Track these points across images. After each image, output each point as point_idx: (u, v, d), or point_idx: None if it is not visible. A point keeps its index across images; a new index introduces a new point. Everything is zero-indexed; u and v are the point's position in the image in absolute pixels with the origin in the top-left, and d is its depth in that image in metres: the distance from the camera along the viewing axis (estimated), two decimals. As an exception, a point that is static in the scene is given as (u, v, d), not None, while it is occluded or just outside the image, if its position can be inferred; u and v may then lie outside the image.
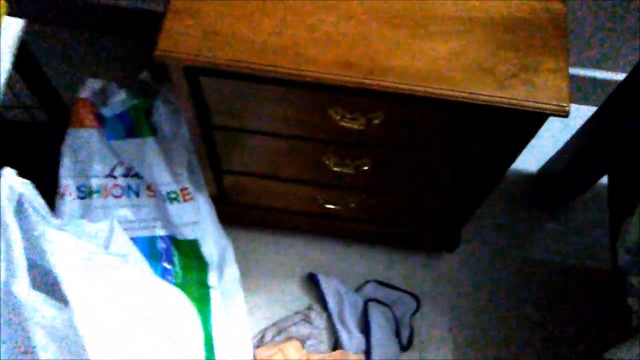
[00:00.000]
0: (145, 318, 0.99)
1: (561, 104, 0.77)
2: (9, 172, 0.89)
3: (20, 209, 0.91)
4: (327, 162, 0.98)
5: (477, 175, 1.01)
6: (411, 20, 0.80)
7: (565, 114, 0.77)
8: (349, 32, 0.78)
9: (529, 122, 0.82)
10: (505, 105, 0.77)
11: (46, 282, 0.94)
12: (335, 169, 0.99)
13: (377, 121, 0.85)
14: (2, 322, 0.89)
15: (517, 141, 0.87)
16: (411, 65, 0.77)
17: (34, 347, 0.88)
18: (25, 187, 0.91)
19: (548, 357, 1.28)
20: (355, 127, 0.86)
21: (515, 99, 0.77)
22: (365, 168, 0.99)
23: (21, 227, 0.89)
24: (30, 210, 0.92)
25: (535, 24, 0.82)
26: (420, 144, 0.94)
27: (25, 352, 0.91)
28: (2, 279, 0.86)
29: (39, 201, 0.94)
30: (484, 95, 0.77)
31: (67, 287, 0.84)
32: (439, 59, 0.78)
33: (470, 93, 0.76)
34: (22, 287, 0.85)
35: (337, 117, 0.84)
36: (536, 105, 0.77)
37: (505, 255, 1.40)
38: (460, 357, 1.29)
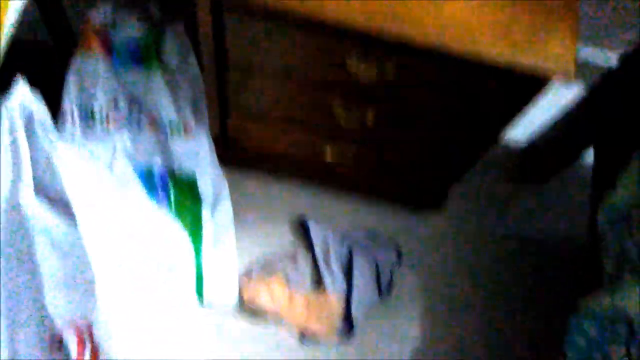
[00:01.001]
0: (142, 241, 1.02)
1: (567, 70, 0.81)
2: (22, 87, 0.90)
3: (29, 125, 0.92)
4: (334, 109, 1.01)
5: (474, 136, 1.05)
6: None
7: (570, 79, 0.81)
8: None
9: (533, 84, 0.86)
10: (515, 67, 0.80)
11: (48, 199, 0.96)
12: (342, 117, 1.02)
13: (388, 72, 0.88)
14: (4, 229, 0.90)
15: (519, 103, 0.91)
16: (429, 21, 0.80)
17: (35, 256, 0.90)
18: (36, 105, 0.92)
19: (518, 315, 1.37)
20: (369, 77, 0.88)
21: (525, 61, 0.81)
22: (370, 119, 1.02)
23: (29, 143, 0.91)
24: (39, 127, 0.94)
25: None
26: (425, 99, 0.97)
27: (25, 261, 0.94)
28: (8, 188, 0.88)
29: (47, 119, 0.95)
30: (496, 55, 0.80)
31: (74, 203, 0.87)
32: (455, 17, 0.81)
33: (483, 52, 0.80)
34: (28, 196, 0.87)
35: (353, 66, 0.87)
36: (544, 68, 0.81)
37: (487, 221, 1.46)
38: (433, 308, 1.36)
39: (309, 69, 0.93)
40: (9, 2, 0.81)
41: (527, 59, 0.81)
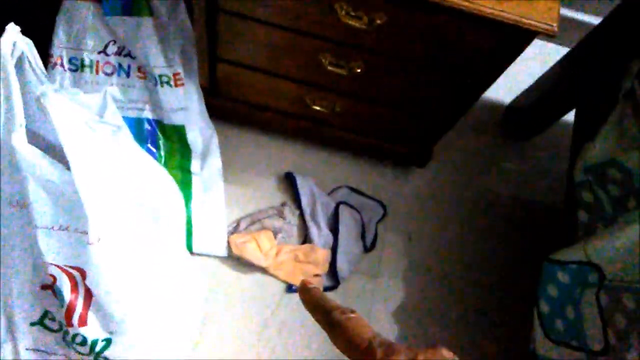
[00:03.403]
0: (134, 189, 1.03)
1: (551, 24, 0.83)
2: (12, 28, 0.89)
3: (20, 67, 0.92)
4: (323, 60, 1.02)
5: (459, 91, 1.08)
6: None
7: (553, 34, 0.84)
8: None
9: (518, 38, 0.88)
10: (501, 19, 0.82)
11: (40, 142, 0.97)
12: (330, 68, 1.03)
13: (379, 22, 0.89)
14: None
15: (503, 57, 0.94)
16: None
17: (28, 201, 0.91)
18: (27, 46, 0.92)
19: (496, 271, 1.42)
20: (357, 25, 0.90)
21: (511, 14, 0.83)
22: (358, 71, 1.04)
23: (20, 85, 0.90)
24: (29, 70, 0.94)
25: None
26: (413, 52, 0.99)
27: (18, 206, 0.95)
28: (0, 130, 0.89)
29: (38, 62, 0.95)
30: (484, 6, 0.82)
31: (67, 147, 0.87)
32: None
33: (471, 3, 0.81)
34: (20, 140, 0.87)
35: (342, 13, 0.88)
36: (528, 22, 0.83)
37: (468, 179, 1.50)
38: (416, 262, 1.40)
39: (298, 14, 0.93)
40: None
41: (512, 11, 0.83)
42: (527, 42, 0.89)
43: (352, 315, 0.37)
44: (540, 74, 1.45)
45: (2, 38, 0.89)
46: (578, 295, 0.98)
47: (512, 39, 0.89)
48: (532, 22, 0.83)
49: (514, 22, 0.83)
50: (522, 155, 1.55)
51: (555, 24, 0.83)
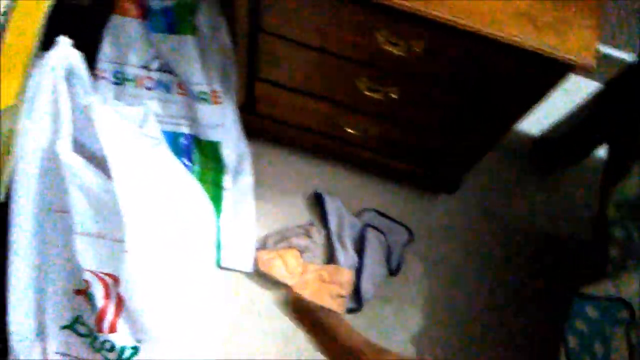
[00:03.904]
0: (170, 202, 1.06)
1: (589, 60, 0.84)
2: (64, 41, 0.93)
3: (69, 79, 0.96)
4: (359, 84, 1.05)
5: (492, 121, 1.09)
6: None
7: (590, 70, 0.84)
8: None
9: (555, 72, 0.89)
10: (539, 51, 0.84)
11: (84, 152, 1.00)
12: (366, 92, 1.05)
13: (417, 49, 0.91)
14: (41, 179, 0.94)
15: (539, 89, 0.95)
16: (462, 1, 0.83)
17: (69, 207, 0.94)
18: (76, 58, 0.96)
19: (521, 303, 1.40)
20: (396, 52, 0.92)
21: (548, 48, 0.84)
22: (393, 96, 1.05)
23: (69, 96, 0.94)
24: (77, 82, 0.98)
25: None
26: (449, 80, 1.01)
27: (59, 212, 0.98)
28: (48, 138, 0.92)
29: (86, 75, 0.99)
30: (521, 38, 0.84)
31: (110, 157, 0.90)
32: (485, 2, 0.85)
33: (510, 35, 0.83)
34: (65, 148, 0.90)
35: (382, 39, 0.90)
36: (566, 56, 0.84)
37: (496, 208, 1.50)
38: (439, 289, 1.40)
39: (339, 39, 0.96)
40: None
41: (550, 46, 0.84)
42: (563, 76, 0.90)
43: (342, 320, 0.36)
44: (568, 106, 1.45)
45: (55, 50, 0.93)
46: (607, 331, 0.97)
47: (549, 72, 0.90)
48: (571, 57, 0.84)
49: (552, 55, 0.84)
50: (551, 187, 1.55)
51: (593, 60, 0.84)
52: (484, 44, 0.86)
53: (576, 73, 0.87)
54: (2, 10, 0.82)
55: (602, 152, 1.31)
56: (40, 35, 0.85)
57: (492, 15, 0.84)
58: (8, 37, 0.81)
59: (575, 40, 0.85)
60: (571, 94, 1.54)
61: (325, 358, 0.35)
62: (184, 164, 1.27)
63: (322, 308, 0.38)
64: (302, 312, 0.38)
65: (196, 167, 1.29)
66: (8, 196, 0.94)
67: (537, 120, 1.55)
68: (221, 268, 1.29)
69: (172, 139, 1.26)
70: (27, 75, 0.86)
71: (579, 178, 1.54)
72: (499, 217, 1.49)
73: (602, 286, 0.92)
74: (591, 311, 1.00)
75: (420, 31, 0.88)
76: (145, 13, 1.19)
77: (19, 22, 0.83)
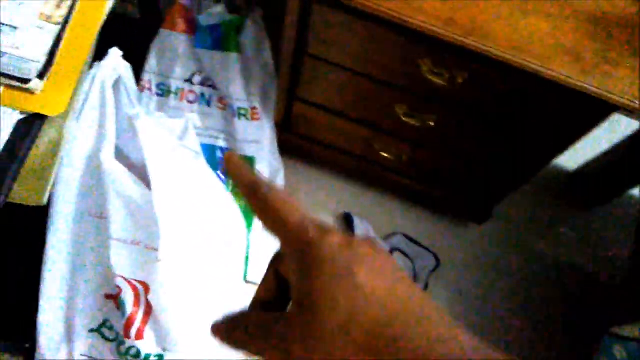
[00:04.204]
0: (205, 214, 1.08)
1: (633, 100, 0.83)
2: (115, 52, 0.97)
3: (116, 88, 0.99)
4: (398, 110, 1.05)
5: (528, 155, 1.08)
6: (515, -6, 0.87)
7: (634, 110, 0.84)
8: (457, -8, 0.85)
9: (598, 111, 0.89)
10: (584, 90, 0.83)
11: (126, 160, 1.03)
12: (404, 118, 1.06)
13: (459, 80, 0.92)
14: (82, 183, 0.97)
15: (579, 127, 0.94)
16: (507, 35, 0.84)
17: (107, 213, 0.96)
18: (125, 70, 0.99)
19: (549, 338, 1.38)
20: (439, 82, 0.93)
21: (593, 87, 0.83)
22: (431, 124, 1.06)
23: (115, 105, 0.97)
24: (124, 92, 1.01)
25: (623, 22, 0.88)
26: (488, 112, 1.01)
27: (96, 216, 1.01)
28: (92, 144, 0.95)
29: (133, 86, 1.02)
30: (566, 76, 0.83)
31: (151, 167, 0.92)
32: (533, 35, 0.85)
33: (556, 72, 0.83)
34: (108, 155, 0.93)
35: (425, 69, 0.91)
36: (610, 96, 0.84)
37: (526, 241, 1.48)
38: (462, 319, 1.38)
39: (382, 65, 0.97)
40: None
41: (595, 85, 0.84)
42: (607, 116, 0.90)
43: (282, 192, 0.31)
44: (607, 143, 1.43)
45: (105, 60, 0.97)
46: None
47: (592, 111, 0.90)
48: (615, 97, 0.83)
49: (597, 94, 0.84)
50: (584, 223, 1.52)
51: (637, 101, 0.84)
52: (529, 78, 0.86)
53: (619, 112, 0.86)
54: (60, 20, 0.85)
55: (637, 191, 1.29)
56: (94, 46, 0.88)
57: (538, 49, 0.84)
58: (64, 46, 0.84)
59: (620, 81, 0.84)
60: (611, 130, 1.52)
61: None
62: (220, 177, 1.29)
63: (254, 174, 0.31)
64: (237, 176, 0.31)
65: (230, 182, 1.31)
66: (49, 200, 0.96)
67: (574, 155, 1.53)
68: (247, 282, 1.30)
69: (210, 152, 1.28)
70: (78, 84, 0.89)
71: (614, 215, 1.52)
72: (529, 251, 1.47)
73: (634, 328, 0.90)
74: (618, 351, 0.98)
75: (465, 63, 0.89)
76: (193, 28, 1.23)
77: (75, 32, 0.85)
